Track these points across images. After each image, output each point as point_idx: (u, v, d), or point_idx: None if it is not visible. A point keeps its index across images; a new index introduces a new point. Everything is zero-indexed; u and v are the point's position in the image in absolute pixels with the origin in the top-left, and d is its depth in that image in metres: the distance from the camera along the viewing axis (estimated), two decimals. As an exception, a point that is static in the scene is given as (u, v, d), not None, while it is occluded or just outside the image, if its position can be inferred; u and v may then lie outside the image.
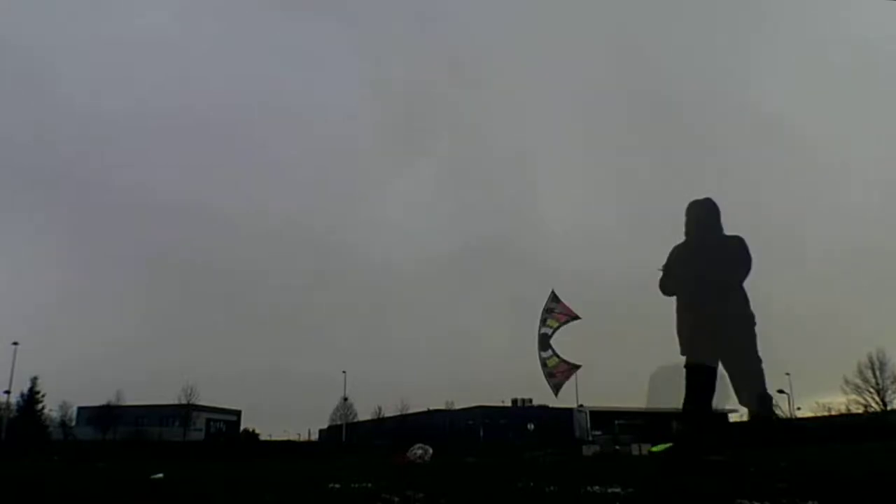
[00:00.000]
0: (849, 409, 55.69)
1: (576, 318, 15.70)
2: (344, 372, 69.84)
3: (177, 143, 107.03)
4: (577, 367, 14.70)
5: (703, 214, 5.10)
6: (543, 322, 15.32)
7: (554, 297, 15.96)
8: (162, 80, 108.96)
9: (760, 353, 4.79)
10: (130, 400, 69.06)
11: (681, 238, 5.26)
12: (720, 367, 4.79)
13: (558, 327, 15.43)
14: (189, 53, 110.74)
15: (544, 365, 14.83)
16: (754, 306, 4.85)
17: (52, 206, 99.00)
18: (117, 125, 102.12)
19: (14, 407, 62.47)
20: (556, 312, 15.79)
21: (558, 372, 14.41)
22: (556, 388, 14.44)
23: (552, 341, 15.31)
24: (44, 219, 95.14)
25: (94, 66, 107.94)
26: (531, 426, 71.36)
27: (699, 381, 4.77)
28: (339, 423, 72.98)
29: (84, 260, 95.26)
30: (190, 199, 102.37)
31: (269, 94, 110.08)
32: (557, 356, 14.84)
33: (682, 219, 5.14)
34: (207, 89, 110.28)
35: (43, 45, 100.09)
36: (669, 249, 5.27)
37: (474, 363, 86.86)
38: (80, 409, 72.97)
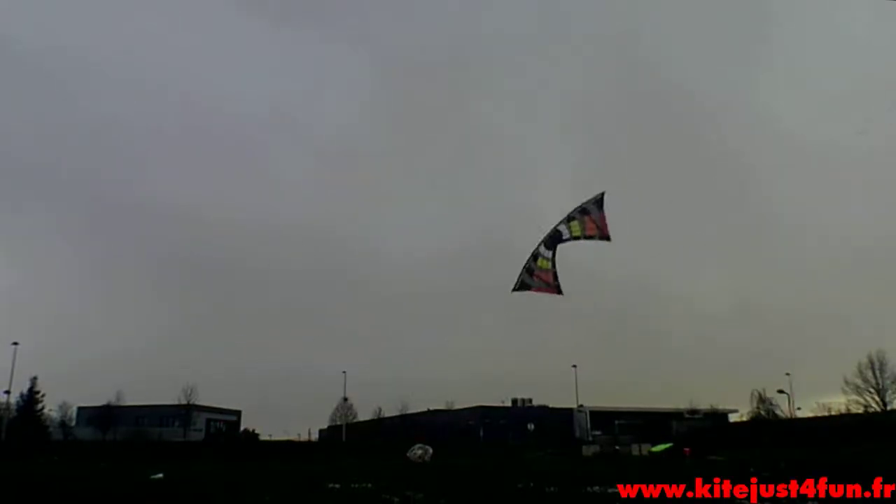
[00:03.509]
0: (849, 409, 55.79)
1: (607, 238, 12.87)
2: (344, 372, 69.84)
3: (178, 146, 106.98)
4: (559, 292, 12.05)
5: None
6: (568, 220, 12.60)
7: (598, 202, 13.23)
8: (165, 83, 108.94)
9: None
10: (130, 400, 69.11)
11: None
12: None
13: (579, 237, 12.66)
14: (192, 57, 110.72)
15: (533, 258, 12.06)
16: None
17: (55, 207, 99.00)
18: (121, 129, 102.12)
19: (14, 407, 62.45)
20: (591, 217, 12.97)
21: (539, 276, 11.82)
22: (522, 287, 11.70)
23: (561, 245, 12.49)
24: (47, 221, 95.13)
25: (96, 69, 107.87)
26: (531, 426, 71.28)
27: None
28: (338, 423, 72.89)
29: (86, 261, 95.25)
30: (192, 202, 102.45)
31: (271, 97, 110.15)
32: (553, 264, 12.13)
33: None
34: (209, 91, 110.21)
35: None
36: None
37: (474, 363, 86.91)
38: (79, 409, 72.94)
